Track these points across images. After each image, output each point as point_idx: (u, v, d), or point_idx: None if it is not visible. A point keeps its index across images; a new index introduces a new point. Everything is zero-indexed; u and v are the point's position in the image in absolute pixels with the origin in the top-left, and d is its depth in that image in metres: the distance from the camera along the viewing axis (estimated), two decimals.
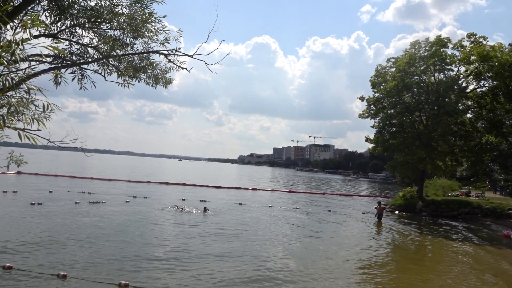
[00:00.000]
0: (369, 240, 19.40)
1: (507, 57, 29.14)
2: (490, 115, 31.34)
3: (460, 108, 32.12)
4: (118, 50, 9.21)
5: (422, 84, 32.89)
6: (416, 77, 32.93)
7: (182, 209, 23.88)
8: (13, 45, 3.39)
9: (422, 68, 32.33)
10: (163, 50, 9.79)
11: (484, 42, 31.03)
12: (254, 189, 48.17)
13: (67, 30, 9.04)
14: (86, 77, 9.28)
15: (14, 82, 3.95)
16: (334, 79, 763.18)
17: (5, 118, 3.98)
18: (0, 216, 18.05)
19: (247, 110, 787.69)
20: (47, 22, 8.72)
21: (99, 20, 8.93)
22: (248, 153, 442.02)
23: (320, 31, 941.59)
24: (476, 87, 32.57)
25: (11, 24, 6.84)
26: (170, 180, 49.88)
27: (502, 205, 30.93)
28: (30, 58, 7.35)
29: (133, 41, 9.65)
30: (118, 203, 25.48)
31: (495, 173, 48.97)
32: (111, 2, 8.96)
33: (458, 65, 32.14)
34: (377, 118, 34.64)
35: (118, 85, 9.78)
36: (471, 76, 31.75)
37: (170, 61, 9.98)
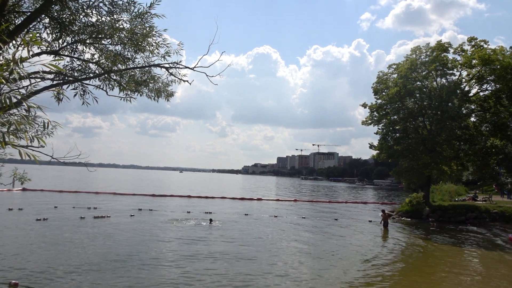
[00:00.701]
0: (374, 249, 18.94)
1: (509, 60, 29.08)
2: (494, 119, 31.16)
3: (464, 112, 31.98)
4: (119, 65, 9.26)
5: (424, 90, 32.81)
6: (418, 83, 32.88)
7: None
8: (12, 64, 3.40)
9: (423, 73, 32.28)
10: (164, 64, 9.82)
11: (485, 46, 30.99)
12: (259, 199, 47.98)
13: (68, 46, 9.10)
14: (88, 93, 9.31)
15: (14, 100, 3.94)
16: (336, 87, 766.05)
17: (5, 136, 3.97)
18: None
19: (250, 120, 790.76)
20: (48, 39, 8.80)
21: (100, 36, 8.99)
22: (252, 163, 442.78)
23: (320, 40, 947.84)
24: (479, 90, 32.44)
25: (13, 42, 6.90)
26: (175, 193, 49.77)
27: (510, 208, 30.57)
28: (32, 76, 7.38)
29: (134, 56, 9.70)
30: (123, 216, 25.39)
31: (501, 177, 48.58)
32: (112, 17, 9.03)
33: (460, 70, 32.10)
34: (381, 125, 34.55)
35: (121, 99, 9.81)
36: (474, 80, 31.67)
37: (171, 74, 10.01)
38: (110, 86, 9.59)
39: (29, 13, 7.72)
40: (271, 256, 15.85)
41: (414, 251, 19.07)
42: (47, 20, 8.55)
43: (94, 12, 8.74)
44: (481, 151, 31.77)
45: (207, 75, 9.75)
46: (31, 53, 4.02)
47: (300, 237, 20.97)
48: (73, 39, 8.88)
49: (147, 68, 9.99)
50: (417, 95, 32.96)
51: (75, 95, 9.08)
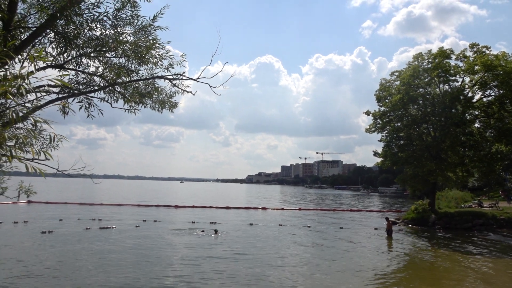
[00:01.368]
0: (379, 259, 18.72)
1: None
2: (498, 124, 31.02)
3: (468, 118, 31.89)
4: (123, 77, 9.34)
5: (427, 96, 32.81)
6: (421, 89, 32.89)
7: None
8: (19, 80, 3.45)
9: (426, 80, 32.30)
10: (168, 75, 9.89)
11: (488, 52, 31.05)
12: (264, 208, 47.83)
13: (73, 60, 9.20)
14: (93, 105, 9.38)
15: (20, 115, 3.99)
16: (338, 95, 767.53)
17: (12, 150, 4.01)
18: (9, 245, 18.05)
19: (253, 130, 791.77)
20: (54, 54, 8.89)
21: (104, 49, 9.08)
22: (256, 172, 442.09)
23: (322, 48, 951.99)
24: (482, 96, 32.38)
25: (19, 57, 7.00)
26: (179, 203, 49.72)
27: None
28: (37, 90, 7.46)
29: (138, 68, 9.78)
30: (128, 227, 25.39)
31: (507, 182, 48.21)
32: (116, 31, 9.13)
33: (463, 76, 32.12)
34: (384, 132, 34.52)
35: (125, 111, 9.87)
36: (477, 86, 31.64)
37: (175, 85, 10.08)
38: (115, 98, 9.66)
39: (34, 28, 7.83)
40: (278, 271, 15.71)
41: (421, 259, 18.87)
42: (52, 34, 8.66)
43: (98, 25, 8.83)
44: (486, 157, 31.61)
45: (210, 86, 9.82)
46: (36, 67, 4.08)
47: (302, 248, 20.87)
48: (77, 53, 8.97)
49: (150, 80, 10.07)
50: (420, 101, 32.96)
51: (80, 108, 9.15)
